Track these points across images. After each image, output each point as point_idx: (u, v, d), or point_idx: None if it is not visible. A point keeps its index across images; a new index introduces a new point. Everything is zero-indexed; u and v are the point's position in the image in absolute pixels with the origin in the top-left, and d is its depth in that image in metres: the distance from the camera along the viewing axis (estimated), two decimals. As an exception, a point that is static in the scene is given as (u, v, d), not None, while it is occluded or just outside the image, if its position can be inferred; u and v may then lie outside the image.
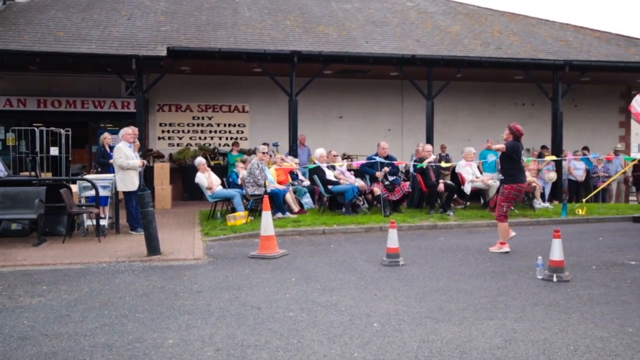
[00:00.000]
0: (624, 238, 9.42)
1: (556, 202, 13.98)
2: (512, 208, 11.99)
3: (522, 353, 4.11)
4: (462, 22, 17.57)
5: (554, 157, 14.62)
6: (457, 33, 16.40)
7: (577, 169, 15.47)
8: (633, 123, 19.07)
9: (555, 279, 6.27)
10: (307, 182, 12.72)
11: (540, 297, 5.62)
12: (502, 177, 8.39)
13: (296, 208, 11.53)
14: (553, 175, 14.77)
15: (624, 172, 16.09)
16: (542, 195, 13.96)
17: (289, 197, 11.50)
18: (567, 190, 15.51)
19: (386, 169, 11.59)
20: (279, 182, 11.89)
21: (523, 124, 18.76)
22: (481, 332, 4.58)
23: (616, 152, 16.35)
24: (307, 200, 12.26)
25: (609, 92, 19.04)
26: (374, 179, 11.81)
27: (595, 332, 4.55)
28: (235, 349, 4.26)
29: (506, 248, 8.12)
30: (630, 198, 17.27)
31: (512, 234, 8.26)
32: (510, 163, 8.20)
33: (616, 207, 13.79)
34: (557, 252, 6.38)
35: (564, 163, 15.15)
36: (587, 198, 14.31)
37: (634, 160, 15.92)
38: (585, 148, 16.70)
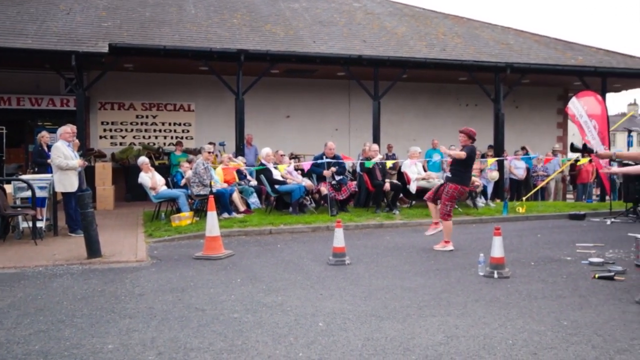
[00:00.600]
0: (561, 235, 9.76)
1: (498, 201, 14.37)
2: (456, 207, 12.26)
3: (464, 348, 4.18)
4: (408, 24, 17.83)
5: (495, 159, 15.02)
6: (403, 34, 16.63)
7: (517, 168, 15.97)
8: (570, 124, 19.82)
9: (496, 275, 6.43)
10: (254, 182, 12.62)
11: (481, 294, 5.75)
12: (449, 176, 8.45)
13: (242, 208, 11.43)
14: (495, 175, 15.18)
15: (562, 171, 16.70)
16: (485, 194, 14.32)
17: (236, 197, 11.38)
18: (508, 189, 15.98)
19: (333, 168, 11.64)
20: (226, 182, 11.76)
21: (467, 124, 19.22)
22: (424, 329, 4.64)
23: (554, 152, 16.96)
24: (254, 200, 12.17)
25: (547, 94, 19.73)
26: (321, 179, 11.84)
27: (533, 326, 4.68)
28: (177, 352, 4.16)
29: (450, 246, 8.24)
30: (568, 196, 17.94)
31: (434, 231, 8.50)
32: (462, 166, 8.30)
33: (554, 205, 14.29)
34: (497, 249, 6.54)
35: (505, 162, 15.59)
36: (527, 196, 14.80)
37: (570, 160, 16.55)
38: (523, 148, 17.22)
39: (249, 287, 6.12)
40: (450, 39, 16.86)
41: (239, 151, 13.70)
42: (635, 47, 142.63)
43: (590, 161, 14.98)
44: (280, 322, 4.85)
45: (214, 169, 11.51)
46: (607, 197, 14.66)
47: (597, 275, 6.41)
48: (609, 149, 13.52)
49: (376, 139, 14.25)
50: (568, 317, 4.92)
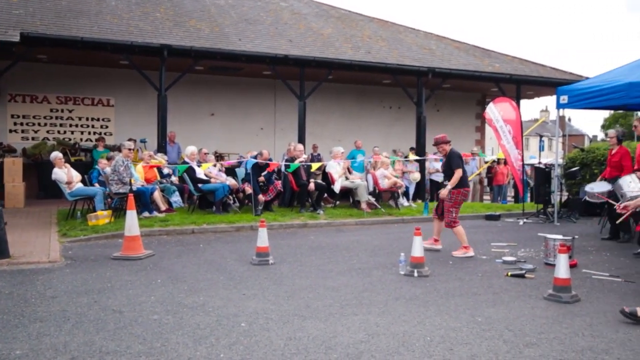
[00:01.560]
0: (477, 235, 10.14)
1: (419, 201, 14.76)
2: (379, 207, 12.50)
3: (384, 346, 4.26)
4: (334, 25, 18.01)
5: (416, 157, 15.43)
6: (329, 35, 16.77)
7: (437, 169, 16.46)
8: (487, 128, 20.69)
9: (416, 274, 6.60)
10: (176, 180, 12.33)
11: (401, 292, 5.88)
12: (447, 183, 8.31)
13: (164, 207, 11.14)
14: (417, 176, 15.60)
15: (479, 174, 17.39)
16: (407, 195, 14.70)
17: (157, 196, 11.08)
18: (429, 190, 16.45)
19: (262, 178, 11.65)
20: (147, 180, 11.42)
21: (390, 127, 19.69)
22: (346, 328, 4.69)
23: (473, 154, 17.63)
24: (176, 198, 11.90)
25: (467, 98, 20.51)
26: (245, 178, 11.75)
27: (450, 323, 4.84)
28: (92, 356, 3.99)
29: (470, 252, 7.97)
30: (485, 197, 18.70)
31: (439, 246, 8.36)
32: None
33: (472, 205, 14.84)
34: (418, 249, 6.71)
35: (427, 164, 16.05)
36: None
37: (487, 162, 17.26)
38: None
39: (169, 288, 5.97)
40: (375, 42, 17.17)
41: (161, 149, 13.35)
42: (546, 56, 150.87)
43: (505, 163, 15.69)
44: (201, 323, 4.76)
45: (134, 166, 11.15)
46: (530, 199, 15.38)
47: (509, 274, 6.71)
48: (522, 153, 14.21)
49: (301, 139, 14.29)
50: (482, 314, 5.12)
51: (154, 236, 9.36)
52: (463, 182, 8.17)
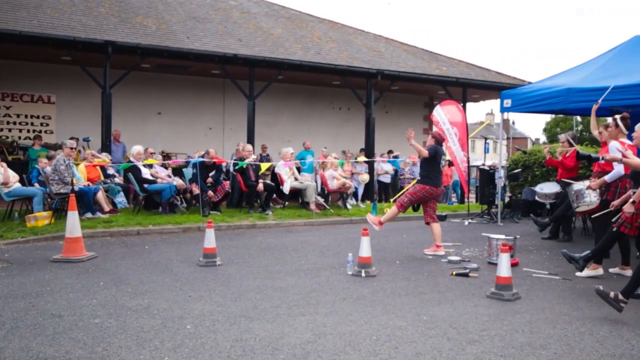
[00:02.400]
0: (424, 235, 10.28)
1: (368, 202, 14.91)
2: (328, 207, 12.56)
3: (331, 346, 4.26)
4: (284, 26, 17.98)
5: (364, 159, 15.58)
6: (279, 36, 16.73)
7: (385, 171, 16.68)
8: (435, 130, 21.07)
9: (363, 274, 6.65)
10: (120, 180, 12.03)
11: (349, 292, 5.91)
12: (419, 178, 8.45)
13: (108, 208, 10.85)
14: (366, 177, 15.74)
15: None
16: (355, 196, 14.82)
17: (100, 196, 10.77)
18: (377, 191, 16.64)
19: (210, 179, 11.48)
20: (90, 180, 11.10)
21: (340, 128, 19.79)
22: (293, 328, 4.68)
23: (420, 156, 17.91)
24: (120, 199, 11.60)
25: (415, 101, 20.84)
26: (193, 178, 11.57)
27: (396, 322, 4.89)
28: (28, 363, 3.84)
29: (441, 251, 8.18)
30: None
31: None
32: (429, 165, 8.21)
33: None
34: (365, 249, 6.77)
35: (375, 165, 16.22)
36: (394, 198, 15.49)
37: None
38: (390, 151, 18.03)
39: (112, 291, 5.81)
40: (325, 43, 17.24)
41: (105, 148, 13.00)
42: (495, 60, 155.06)
43: (450, 165, 16.03)
44: (145, 326, 4.65)
45: (76, 165, 10.81)
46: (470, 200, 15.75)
47: (454, 273, 6.85)
48: (468, 154, 14.54)
49: (250, 139, 14.20)
50: (427, 312, 5.20)
51: (96, 238, 9.10)
52: (431, 180, 8.18)
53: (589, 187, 6.81)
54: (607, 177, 6.82)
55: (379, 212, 12.71)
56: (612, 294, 5.09)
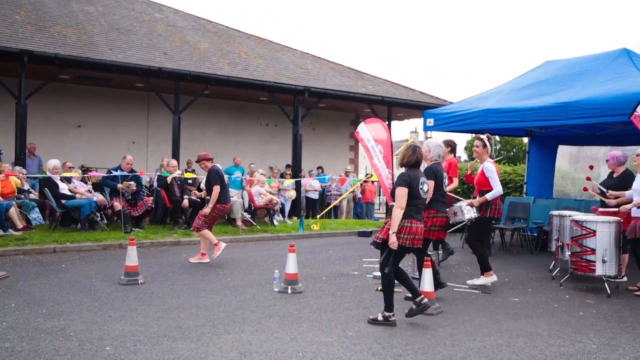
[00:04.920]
0: (350, 251, 10.43)
1: (295, 218, 14.91)
2: (255, 224, 12.45)
3: (256, 364, 4.21)
4: (211, 40, 17.82)
5: (293, 180, 15.60)
6: (206, 50, 16.57)
7: (313, 188, 16.76)
8: (360, 147, 21.43)
9: (290, 290, 6.63)
10: (34, 195, 11.43)
11: (275, 309, 5.88)
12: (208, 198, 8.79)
13: (21, 224, 10.27)
14: (293, 193, 15.75)
15: (353, 191, 17.94)
16: (282, 212, 14.79)
17: (13, 212, 10.19)
18: (304, 207, 16.68)
19: (132, 184, 11.07)
20: (3, 195, 10.48)
21: (267, 144, 19.77)
22: (218, 347, 4.59)
23: (347, 173, 18.18)
24: (35, 215, 11.01)
25: (341, 118, 21.13)
26: (114, 193, 11.17)
27: (322, 338, 4.90)
28: None
29: (206, 259, 8.48)
30: (350, 214, 19.27)
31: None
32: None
33: (345, 222, 15.24)
34: (291, 265, 6.76)
35: (302, 181, 16.28)
36: (321, 214, 15.59)
37: (360, 180, 17.85)
38: (320, 168, 18.19)
39: (25, 312, 5.49)
40: (252, 59, 17.22)
41: (19, 161, 12.34)
42: (414, 80, 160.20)
43: (374, 182, 16.33)
44: (61, 349, 4.42)
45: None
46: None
47: (379, 288, 6.93)
48: (393, 172, 14.86)
49: (175, 154, 13.91)
50: (353, 328, 5.24)
51: (8, 256, 8.61)
52: (221, 198, 8.61)
53: (469, 204, 7.15)
54: (488, 196, 7.22)
55: (305, 228, 12.78)
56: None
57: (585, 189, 7.83)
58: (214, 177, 8.60)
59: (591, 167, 7.88)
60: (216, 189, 8.51)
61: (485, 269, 7.18)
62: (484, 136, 7.57)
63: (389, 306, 5.39)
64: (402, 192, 5.41)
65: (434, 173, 6.45)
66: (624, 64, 9.32)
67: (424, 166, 6.26)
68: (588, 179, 7.84)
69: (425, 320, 5.57)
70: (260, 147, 19.15)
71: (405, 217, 5.39)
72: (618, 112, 7.97)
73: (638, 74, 8.79)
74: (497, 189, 7.22)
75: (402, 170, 5.66)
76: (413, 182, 5.46)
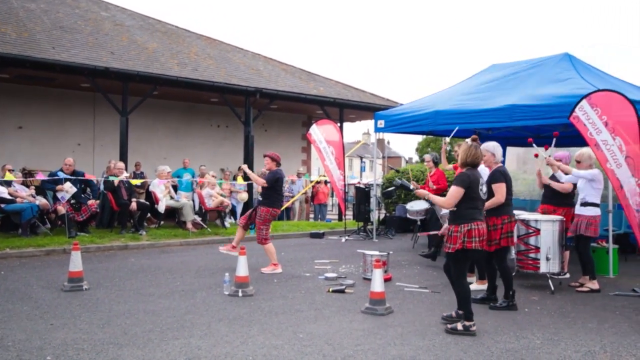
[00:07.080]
0: (302, 252, 10.41)
1: (246, 220, 14.76)
2: (205, 227, 12.30)
3: (205, 370, 4.13)
4: (159, 40, 17.48)
5: (244, 182, 15.46)
6: (155, 50, 16.24)
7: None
8: (313, 149, 21.46)
9: (240, 294, 6.54)
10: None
11: (225, 313, 5.79)
12: (260, 199, 8.59)
13: (-42, 230, 9.82)
14: (245, 196, 15.61)
15: (305, 193, 17.94)
16: (234, 214, 14.63)
17: (-51, 218, 9.74)
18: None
19: (69, 186, 10.69)
20: (-64, 200, 10.00)
21: (219, 145, 19.55)
22: (166, 353, 4.48)
23: (299, 175, 18.15)
24: (-27, 220, 10.55)
25: (293, 120, 21.09)
26: (58, 197, 10.81)
27: (272, 341, 4.85)
28: None
29: (279, 269, 8.23)
30: (311, 216, 19.31)
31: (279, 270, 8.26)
32: (271, 189, 8.38)
33: (297, 224, 15.22)
34: (242, 268, 6.68)
35: (254, 184, 16.13)
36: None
37: (312, 181, 17.87)
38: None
39: (-41, 323, 5.23)
40: (203, 60, 16.99)
41: (-44, 164, 11.80)
42: (365, 82, 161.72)
43: (327, 183, 16.36)
44: (-3, 361, 4.22)
45: None
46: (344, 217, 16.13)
47: (330, 289, 6.95)
48: (344, 173, 14.93)
49: (123, 157, 13.55)
50: (304, 330, 5.21)
51: (-57, 264, 8.20)
52: (274, 203, 8.47)
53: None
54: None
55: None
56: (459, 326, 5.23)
57: (536, 155, 8.03)
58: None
59: (536, 156, 8.11)
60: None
61: (482, 276, 7.15)
62: (469, 139, 7.52)
63: (468, 315, 5.21)
64: (457, 193, 5.19)
65: (503, 175, 6.33)
66: (566, 68, 9.65)
67: (481, 169, 6.10)
68: (536, 155, 8.06)
69: (376, 320, 5.60)
70: (212, 148, 18.90)
71: (470, 220, 5.20)
72: (560, 115, 8.24)
73: (578, 78, 9.12)
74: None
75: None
76: (473, 183, 5.23)
